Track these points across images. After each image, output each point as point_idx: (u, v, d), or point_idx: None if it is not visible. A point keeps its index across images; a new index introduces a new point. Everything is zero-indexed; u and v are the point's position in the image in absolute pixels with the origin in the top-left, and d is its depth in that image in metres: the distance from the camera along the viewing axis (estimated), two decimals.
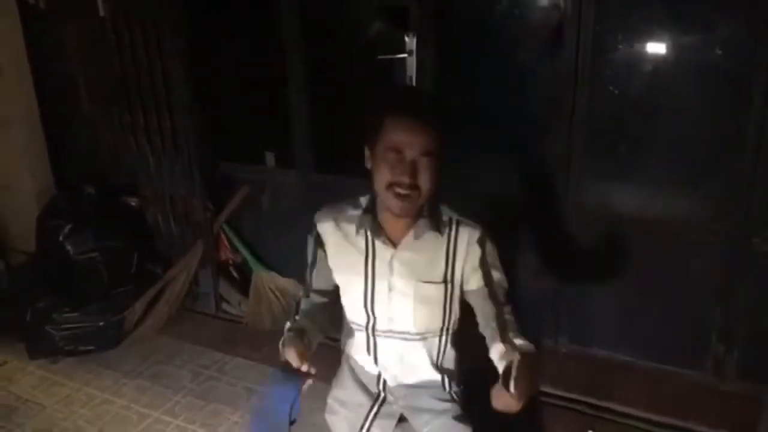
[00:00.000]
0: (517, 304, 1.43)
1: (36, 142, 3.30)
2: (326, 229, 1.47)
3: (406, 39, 2.53)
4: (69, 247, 2.91)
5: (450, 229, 1.42)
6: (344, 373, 1.63)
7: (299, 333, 1.38)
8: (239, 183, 3.18)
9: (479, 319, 1.45)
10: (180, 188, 3.13)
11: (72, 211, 3.01)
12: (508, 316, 1.39)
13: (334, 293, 1.55)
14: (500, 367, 1.23)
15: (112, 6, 2.94)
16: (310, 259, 1.53)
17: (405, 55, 2.55)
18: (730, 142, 2.24)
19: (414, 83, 2.55)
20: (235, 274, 3.30)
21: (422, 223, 1.39)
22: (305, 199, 2.97)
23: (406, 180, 1.27)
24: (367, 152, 1.36)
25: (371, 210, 1.42)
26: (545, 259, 2.61)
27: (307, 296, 1.54)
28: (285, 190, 3.11)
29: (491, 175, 2.65)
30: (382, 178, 1.31)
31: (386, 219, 1.41)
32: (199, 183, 3.06)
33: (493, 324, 1.38)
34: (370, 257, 1.43)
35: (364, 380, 1.59)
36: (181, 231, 3.22)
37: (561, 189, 2.51)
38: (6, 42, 3.09)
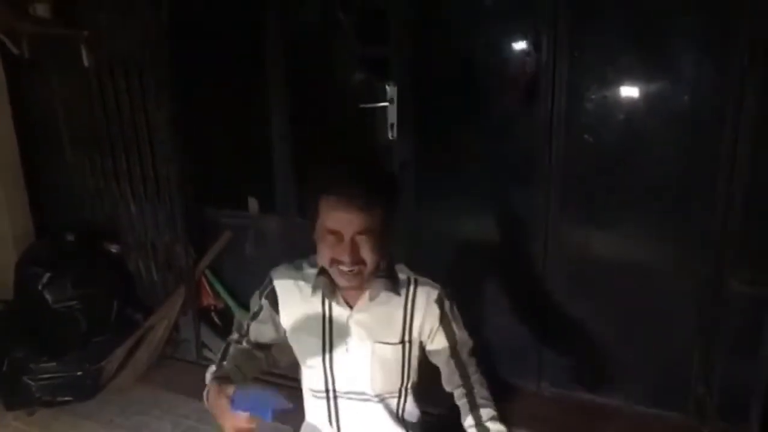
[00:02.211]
0: (480, 361, 1.45)
1: (16, 189, 3.27)
2: (283, 287, 1.44)
3: (387, 88, 2.60)
4: (48, 296, 2.87)
5: (408, 289, 1.41)
6: None
7: (225, 382, 1.32)
8: (222, 228, 3.19)
9: (443, 376, 1.47)
10: (162, 234, 3.13)
11: (51, 259, 2.98)
12: (474, 377, 1.43)
13: (267, 349, 1.50)
14: None
15: (96, 56, 2.98)
16: (254, 309, 1.49)
17: (386, 103, 2.61)
18: (703, 186, 2.30)
19: (395, 131, 2.61)
20: (216, 320, 3.27)
21: (378, 283, 1.38)
22: (287, 245, 2.99)
23: (346, 259, 1.27)
24: (310, 225, 1.36)
25: (326, 271, 1.39)
26: (526, 304, 2.64)
27: (239, 342, 1.49)
28: (267, 235, 3.12)
29: (471, 221, 2.69)
30: (324, 255, 1.31)
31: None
32: (182, 229, 3.06)
33: (461, 389, 1.42)
34: (326, 318, 1.42)
35: None
36: (163, 277, 3.21)
37: (540, 234, 2.55)
38: None
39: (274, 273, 1.47)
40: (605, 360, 2.57)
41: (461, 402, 1.43)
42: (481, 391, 1.42)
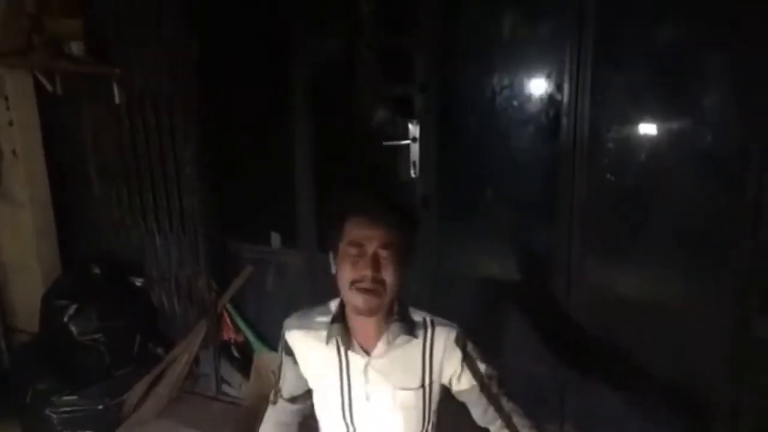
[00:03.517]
0: (512, 390, 1.43)
1: (45, 223, 3.34)
2: (295, 337, 1.45)
3: (410, 126, 2.63)
4: (73, 328, 2.92)
5: (425, 331, 1.40)
6: None
7: None
8: (244, 262, 3.21)
9: (476, 414, 1.44)
10: (185, 268, 3.16)
11: (78, 292, 3.02)
12: (509, 406, 1.40)
13: (305, 398, 1.53)
14: None
15: (127, 93, 3.07)
16: (279, 366, 1.51)
17: (409, 141, 2.64)
18: (727, 226, 2.27)
19: (417, 169, 2.63)
20: (236, 353, 3.28)
21: (394, 327, 1.37)
22: (309, 280, 3.00)
23: (368, 273, 1.27)
24: (331, 257, 1.37)
25: (340, 318, 1.40)
26: (548, 344, 2.61)
27: (275, 403, 1.52)
28: (289, 270, 3.14)
29: (492, 259, 2.69)
30: (345, 276, 1.31)
31: (357, 326, 1.39)
32: (205, 263, 3.10)
33: (498, 422, 1.39)
34: (343, 366, 1.40)
35: None
36: (185, 311, 3.23)
37: (562, 273, 2.54)
38: (23, 127, 3.19)
39: (285, 324, 1.48)
40: (630, 401, 2.52)
41: None
42: (520, 420, 1.39)
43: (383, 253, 1.29)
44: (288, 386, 1.51)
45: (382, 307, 1.34)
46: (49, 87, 3.12)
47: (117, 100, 3.08)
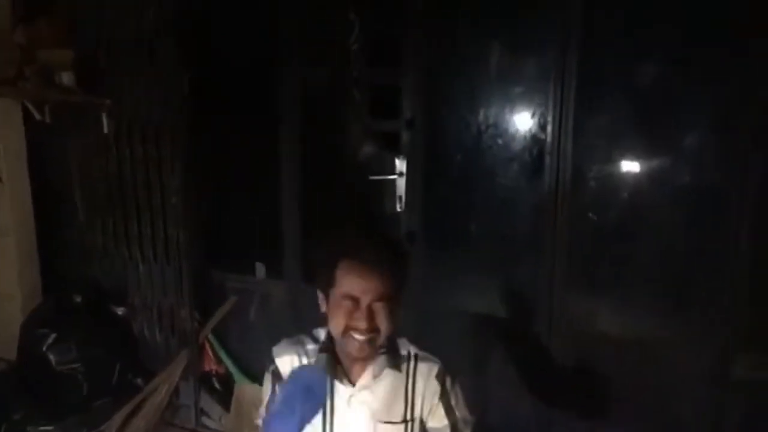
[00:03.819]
0: None
1: (28, 250, 3.32)
2: (285, 363, 1.42)
3: (397, 161, 2.68)
4: (52, 357, 2.88)
5: (408, 365, 1.40)
6: None
7: None
8: (228, 293, 3.21)
9: None
10: (168, 297, 3.15)
11: (58, 320, 3.00)
12: None
13: None
14: None
15: (116, 123, 3.09)
16: (267, 397, 1.44)
17: (395, 176, 2.68)
18: (708, 265, 2.31)
19: (404, 203, 2.67)
20: (217, 385, 3.24)
21: (380, 360, 1.37)
22: (293, 311, 3.00)
23: (363, 325, 1.28)
24: (320, 295, 1.36)
25: (328, 347, 1.39)
26: (532, 379, 2.62)
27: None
28: (273, 301, 3.13)
29: (474, 295, 2.71)
30: (338, 323, 1.31)
31: (344, 356, 1.39)
32: (188, 292, 3.08)
33: None
34: (328, 396, 1.38)
35: None
36: (166, 341, 3.21)
37: (545, 310, 2.55)
38: (10, 154, 3.19)
39: (275, 350, 1.45)
40: None
41: None
42: None
43: (378, 305, 1.29)
44: None
45: (376, 352, 1.36)
46: (38, 116, 3.14)
47: (105, 130, 3.11)
